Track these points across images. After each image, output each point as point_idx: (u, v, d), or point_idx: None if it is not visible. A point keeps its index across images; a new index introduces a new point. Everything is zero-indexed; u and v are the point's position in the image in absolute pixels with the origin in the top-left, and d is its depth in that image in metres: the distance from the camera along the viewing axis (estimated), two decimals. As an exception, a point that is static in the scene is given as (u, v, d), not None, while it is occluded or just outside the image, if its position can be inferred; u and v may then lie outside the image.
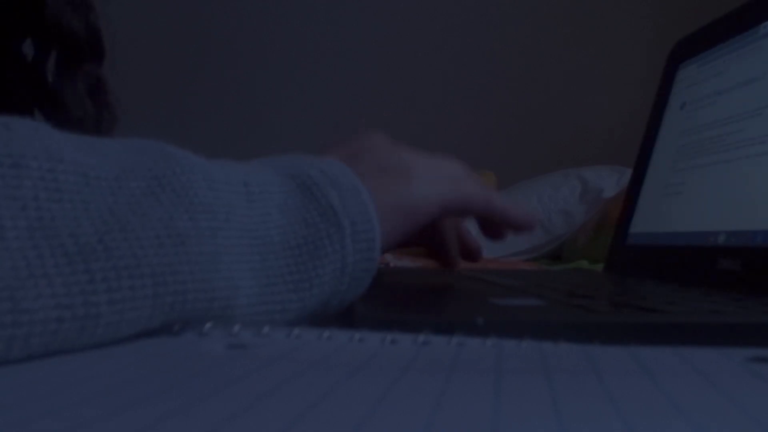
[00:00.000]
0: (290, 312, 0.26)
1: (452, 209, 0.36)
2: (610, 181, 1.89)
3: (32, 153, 0.20)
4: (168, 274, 0.21)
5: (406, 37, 2.73)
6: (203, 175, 0.25)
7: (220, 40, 2.50)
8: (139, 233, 0.21)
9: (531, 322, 0.25)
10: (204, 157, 0.27)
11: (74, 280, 0.19)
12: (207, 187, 0.24)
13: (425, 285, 0.43)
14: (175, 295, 0.21)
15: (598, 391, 0.15)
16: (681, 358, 0.19)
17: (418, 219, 0.33)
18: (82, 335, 0.19)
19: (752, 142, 0.44)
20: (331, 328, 0.22)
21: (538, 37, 2.71)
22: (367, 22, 2.74)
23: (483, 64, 2.73)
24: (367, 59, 2.74)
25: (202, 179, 0.24)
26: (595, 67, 2.71)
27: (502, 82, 2.72)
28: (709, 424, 0.13)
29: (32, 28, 0.50)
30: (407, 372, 0.17)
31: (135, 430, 0.12)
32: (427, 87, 2.74)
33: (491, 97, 2.72)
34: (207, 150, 0.30)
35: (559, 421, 0.13)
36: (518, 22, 2.72)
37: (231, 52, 2.53)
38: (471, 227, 0.49)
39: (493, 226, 0.43)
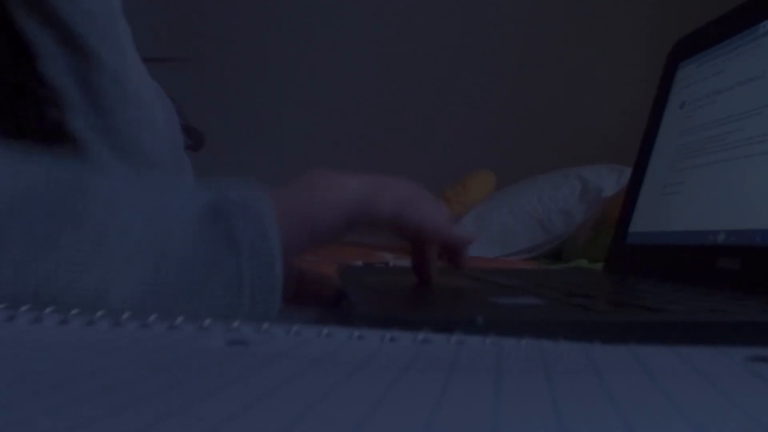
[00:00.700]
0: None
1: (357, 218, 0.38)
2: (610, 181, 1.89)
3: None
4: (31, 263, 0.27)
5: (406, 38, 2.73)
6: (102, 204, 0.30)
7: (220, 41, 2.50)
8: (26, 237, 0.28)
9: (531, 322, 0.25)
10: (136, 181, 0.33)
11: None
12: (103, 210, 0.30)
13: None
14: (37, 279, 0.27)
15: (597, 389, 0.15)
16: (680, 357, 0.19)
17: (316, 226, 0.35)
18: None
19: (752, 141, 0.44)
20: (330, 326, 0.22)
21: (538, 37, 2.71)
22: (366, 23, 2.74)
23: (483, 64, 2.73)
24: (367, 59, 2.74)
25: (101, 207, 0.30)
26: (595, 67, 2.71)
27: (502, 82, 2.72)
28: (709, 423, 0.13)
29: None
30: (407, 370, 0.17)
31: (136, 429, 0.12)
32: (427, 87, 2.74)
33: (491, 97, 2.72)
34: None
35: (559, 419, 0.13)
36: (518, 22, 2.72)
37: (230, 52, 2.53)
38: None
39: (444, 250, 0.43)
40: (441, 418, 0.13)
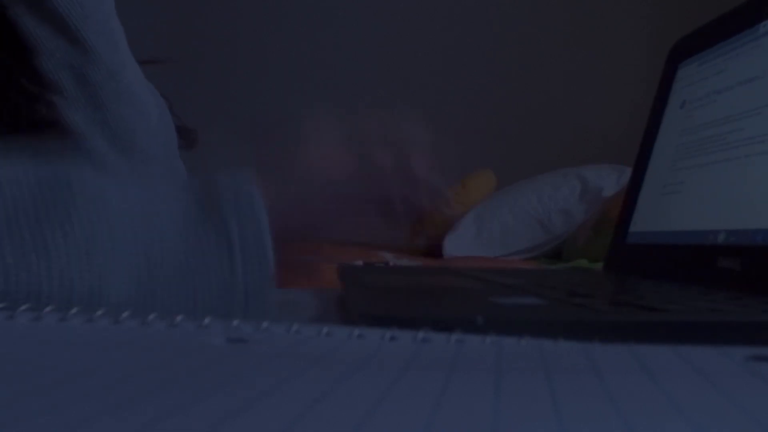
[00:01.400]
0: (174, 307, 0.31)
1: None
2: (610, 180, 1.89)
3: None
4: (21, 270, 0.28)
5: (406, 37, 2.73)
6: (91, 205, 0.30)
7: (215, 40, 2.50)
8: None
9: (531, 321, 0.25)
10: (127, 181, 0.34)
11: None
12: (92, 211, 0.30)
13: (425, 283, 0.43)
14: (29, 285, 0.28)
15: (597, 389, 0.15)
16: (680, 356, 0.19)
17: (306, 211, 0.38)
18: None
19: (752, 140, 0.44)
20: (330, 325, 0.22)
21: (538, 37, 2.71)
22: (366, 23, 2.74)
23: (483, 64, 2.73)
24: (367, 59, 2.74)
25: (90, 208, 0.30)
26: (595, 67, 2.71)
27: (503, 82, 2.72)
28: (708, 422, 0.13)
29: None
30: (407, 370, 0.17)
31: (135, 428, 0.12)
32: (427, 87, 2.74)
33: (491, 97, 2.72)
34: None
35: (559, 419, 0.13)
36: (518, 22, 2.72)
37: (225, 51, 2.53)
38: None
39: None
40: (441, 418, 0.13)
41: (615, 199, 1.66)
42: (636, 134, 0.62)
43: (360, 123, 0.43)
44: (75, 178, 0.31)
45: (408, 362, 0.18)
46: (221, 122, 2.43)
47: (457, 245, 1.89)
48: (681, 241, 0.49)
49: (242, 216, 0.32)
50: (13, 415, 0.12)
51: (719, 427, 0.13)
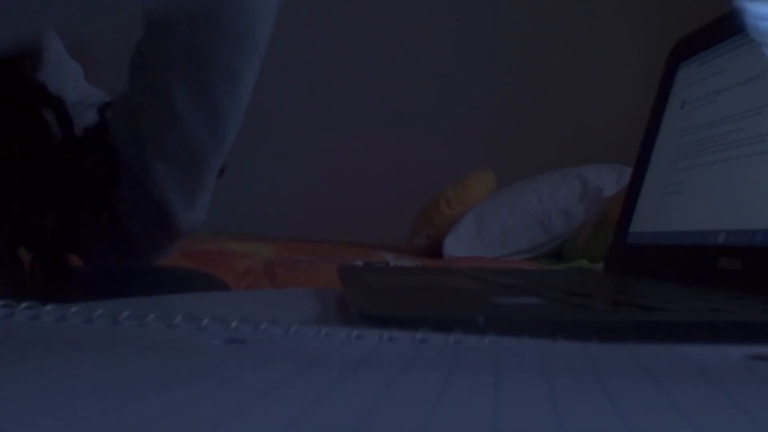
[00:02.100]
0: None
1: None
2: (610, 181, 1.89)
3: None
4: None
5: (406, 38, 2.73)
6: None
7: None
8: None
9: (531, 321, 0.25)
10: None
11: None
12: None
13: (424, 283, 0.43)
14: None
15: (596, 389, 0.15)
16: (680, 356, 0.19)
17: None
18: None
19: (752, 140, 0.44)
20: (329, 325, 0.22)
21: (539, 37, 2.71)
22: (366, 23, 2.74)
23: (483, 64, 2.73)
24: (367, 59, 2.74)
25: None
26: (595, 67, 2.71)
27: (503, 82, 2.72)
28: (708, 422, 0.13)
29: None
30: (406, 370, 0.17)
31: (134, 429, 0.12)
32: (427, 87, 2.74)
33: (491, 97, 2.72)
34: None
35: (558, 419, 0.13)
36: (518, 22, 2.72)
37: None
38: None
39: None
40: (440, 418, 0.13)
41: (615, 200, 1.66)
42: (636, 134, 0.62)
43: None
44: None
45: (407, 363, 0.18)
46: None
47: (457, 245, 1.89)
48: (681, 241, 0.49)
49: None
50: (10, 415, 0.12)
51: (719, 426, 0.13)
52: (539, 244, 1.88)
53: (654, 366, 0.17)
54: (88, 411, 0.13)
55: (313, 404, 0.14)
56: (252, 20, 0.50)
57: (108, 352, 0.19)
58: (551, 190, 1.94)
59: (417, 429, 0.12)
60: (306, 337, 0.21)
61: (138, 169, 0.51)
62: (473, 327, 0.23)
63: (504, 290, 0.36)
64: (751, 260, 0.41)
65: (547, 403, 0.14)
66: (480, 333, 0.21)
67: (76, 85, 0.57)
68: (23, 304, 0.23)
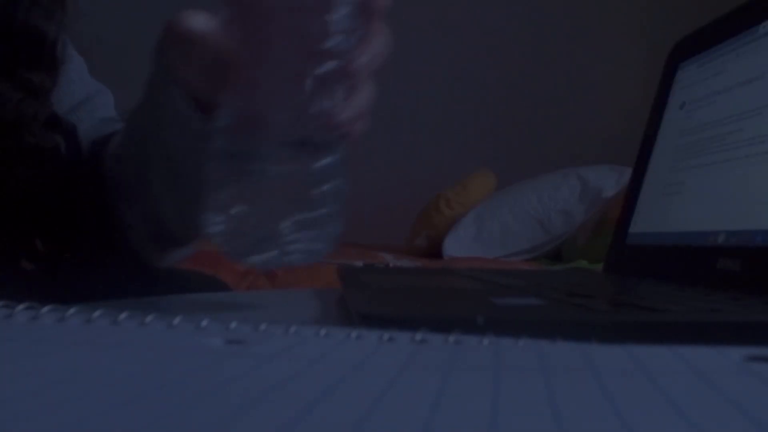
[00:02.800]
0: None
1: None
2: (610, 181, 1.89)
3: None
4: None
5: (407, 38, 2.73)
6: None
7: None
8: None
9: (531, 321, 0.25)
10: None
11: None
12: None
13: (424, 284, 0.43)
14: None
15: (595, 389, 0.15)
16: (679, 356, 0.19)
17: None
18: None
19: (752, 141, 0.44)
20: (329, 325, 0.22)
21: (539, 37, 2.71)
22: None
23: (483, 64, 2.73)
24: (367, 58, 2.73)
25: None
26: (595, 68, 2.71)
27: (503, 82, 2.72)
28: (707, 423, 0.13)
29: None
30: (405, 370, 0.17)
31: (134, 429, 0.12)
32: (427, 87, 2.74)
33: (491, 97, 2.72)
34: None
35: (557, 419, 0.13)
36: (518, 22, 2.72)
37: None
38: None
39: None
40: (439, 419, 0.13)
41: (615, 200, 1.66)
42: (636, 135, 0.62)
43: None
44: None
45: (406, 363, 0.18)
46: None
47: (457, 246, 1.89)
48: (681, 241, 0.49)
49: None
50: (9, 416, 0.12)
51: (718, 427, 0.13)
52: (539, 244, 1.88)
53: (653, 367, 0.17)
54: (87, 411, 0.13)
55: (313, 404, 0.14)
56: None
57: (107, 353, 0.19)
58: (551, 191, 1.94)
59: (416, 429, 0.12)
60: (305, 337, 0.21)
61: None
62: (473, 327, 0.23)
63: (504, 291, 0.36)
64: (751, 261, 0.41)
65: (545, 403, 0.14)
66: (480, 333, 0.21)
67: (81, 81, 0.57)
68: (23, 305, 0.23)
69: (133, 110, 0.46)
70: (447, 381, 0.16)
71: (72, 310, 0.23)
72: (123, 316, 0.23)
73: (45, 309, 0.23)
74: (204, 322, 0.22)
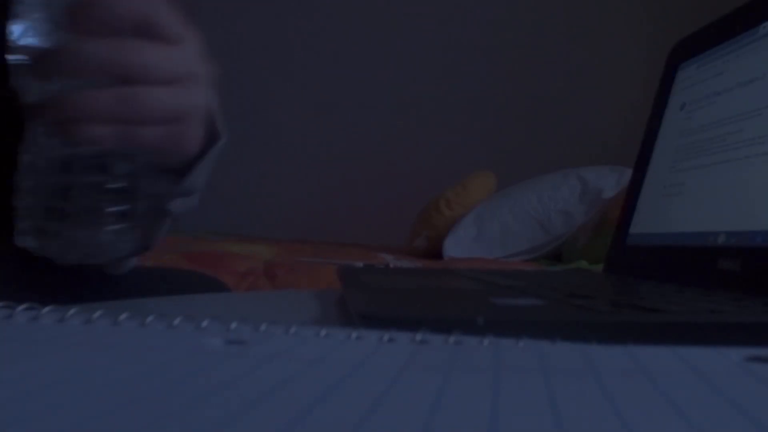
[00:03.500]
0: None
1: None
2: (610, 181, 1.89)
3: None
4: None
5: (407, 38, 2.73)
6: None
7: (217, 39, 2.50)
8: None
9: (531, 322, 0.25)
10: None
11: None
12: None
13: (424, 284, 0.43)
14: None
15: (595, 390, 0.15)
16: (679, 357, 0.19)
17: None
18: None
19: (752, 142, 0.44)
20: (329, 326, 0.22)
21: (539, 37, 2.72)
22: (367, 23, 2.74)
23: (483, 65, 2.73)
24: (368, 60, 2.74)
25: None
26: (595, 68, 2.71)
27: (503, 82, 2.72)
28: (707, 423, 0.13)
29: None
30: (405, 371, 0.17)
31: (133, 429, 0.12)
32: (428, 88, 2.74)
33: (491, 98, 2.72)
34: None
35: (557, 420, 0.13)
36: (518, 22, 2.72)
37: (228, 50, 2.53)
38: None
39: None
40: (439, 419, 0.13)
41: (615, 201, 1.66)
42: (636, 135, 0.62)
43: None
44: None
45: (406, 364, 0.18)
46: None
47: (457, 246, 1.89)
48: (681, 242, 0.49)
49: None
50: (9, 417, 0.12)
51: (718, 428, 0.13)
52: (539, 244, 1.88)
53: (653, 367, 0.17)
54: (88, 412, 0.13)
55: (313, 405, 0.14)
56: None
57: (108, 354, 0.19)
58: (551, 191, 1.94)
59: (417, 430, 0.12)
60: (306, 338, 0.21)
61: None
62: (473, 328, 0.23)
63: (504, 291, 0.36)
64: (751, 261, 0.41)
65: (546, 403, 0.14)
66: (480, 334, 0.21)
67: None
68: (23, 306, 0.23)
69: None
70: (447, 381, 0.16)
71: (72, 311, 0.23)
72: (123, 316, 0.23)
73: (45, 310, 0.23)
74: (204, 323, 0.22)
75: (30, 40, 0.36)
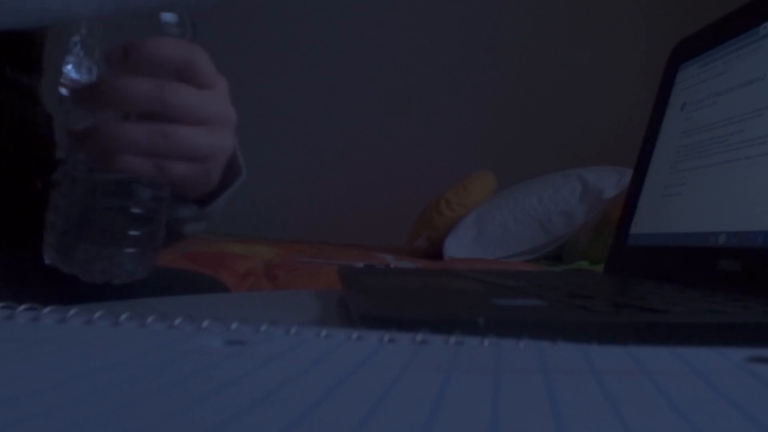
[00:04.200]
0: None
1: None
2: (611, 182, 1.89)
3: None
4: None
5: (407, 39, 2.73)
6: None
7: (217, 39, 2.50)
8: None
9: (531, 322, 0.25)
10: None
11: None
12: None
13: (425, 285, 0.43)
14: None
15: (596, 390, 0.15)
16: (679, 357, 0.19)
17: None
18: None
19: (753, 142, 0.44)
20: (329, 326, 0.22)
21: (539, 38, 2.72)
22: (367, 23, 2.74)
23: (483, 65, 2.73)
24: (368, 60, 2.74)
25: None
26: (595, 68, 2.71)
27: (503, 83, 2.72)
28: (708, 424, 0.13)
29: None
30: (406, 371, 0.17)
31: (134, 430, 0.12)
32: (428, 88, 2.74)
33: (492, 98, 2.72)
34: None
35: (557, 420, 0.13)
36: (519, 22, 2.72)
37: (229, 50, 2.54)
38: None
39: None
40: (439, 418, 0.13)
41: (616, 201, 1.66)
42: (636, 135, 0.62)
43: None
44: None
45: (407, 364, 0.18)
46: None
47: (458, 247, 1.89)
48: (682, 242, 0.49)
49: None
50: (10, 417, 0.12)
51: (718, 428, 0.13)
52: (540, 245, 1.88)
53: (654, 368, 0.17)
54: (88, 412, 0.13)
55: (314, 406, 0.14)
56: None
57: (108, 354, 0.19)
58: (552, 192, 1.94)
59: (417, 430, 0.12)
60: (306, 338, 0.21)
61: None
62: (474, 328, 0.23)
63: (504, 292, 0.36)
64: (752, 262, 0.41)
65: (546, 404, 0.14)
66: (480, 334, 0.21)
67: None
68: (23, 306, 0.23)
69: None
70: (448, 382, 0.16)
71: (73, 311, 0.23)
72: (124, 317, 0.23)
73: (46, 310, 0.23)
74: (205, 323, 0.22)
75: (76, 74, 0.40)
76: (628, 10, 2.71)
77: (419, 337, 0.21)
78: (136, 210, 0.42)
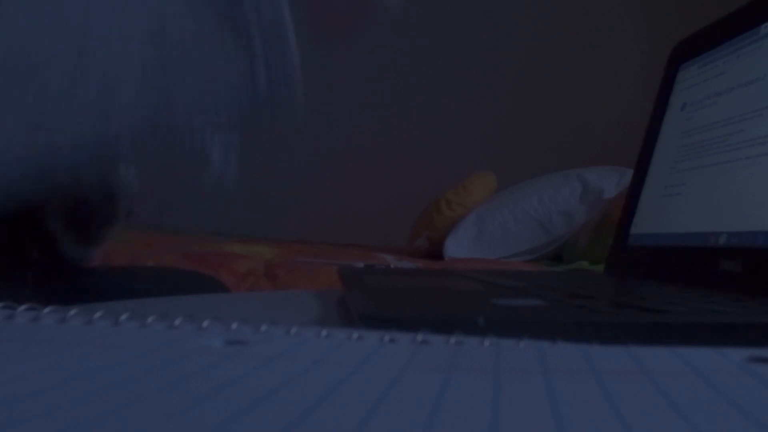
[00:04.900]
0: None
1: None
2: (611, 182, 1.89)
3: None
4: None
5: (408, 37, 2.73)
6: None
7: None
8: None
9: (532, 322, 0.25)
10: None
11: None
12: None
13: (425, 285, 0.43)
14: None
15: (596, 390, 0.15)
16: (679, 358, 0.19)
17: None
18: None
19: (753, 142, 0.44)
20: (330, 326, 0.22)
21: (540, 38, 2.72)
22: (368, 23, 2.74)
23: (483, 66, 2.73)
24: (368, 61, 2.74)
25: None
26: (595, 68, 2.71)
27: (504, 83, 2.72)
28: (708, 424, 0.13)
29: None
30: (406, 371, 0.17)
31: (134, 430, 0.12)
32: (428, 89, 2.74)
33: (492, 99, 2.72)
34: None
35: (557, 421, 0.13)
36: (519, 23, 2.72)
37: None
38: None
39: None
40: (439, 420, 0.13)
41: (616, 201, 1.66)
42: (637, 136, 0.62)
43: None
44: None
45: (407, 364, 0.18)
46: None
47: (458, 247, 1.89)
48: (682, 243, 0.49)
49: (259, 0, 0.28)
50: (10, 417, 0.12)
51: (719, 429, 0.13)
52: (540, 245, 1.88)
53: (654, 368, 0.17)
54: (88, 412, 0.13)
55: (314, 406, 0.14)
56: None
57: (108, 354, 0.19)
58: (552, 192, 1.94)
59: (417, 430, 0.12)
60: (306, 338, 0.21)
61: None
62: (474, 328, 0.23)
63: (505, 292, 0.36)
64: (752, 262, 0.41)
65: (546, 404, 0.14)
66: (480, 335, 0.21)
67: None
68: (23, 306, 0.23)
69: None
70: (448, 382, 0.16)
71: (73, 311, 0.23)
72: (124, 317, 0.23)
73: (46, 310, 0.23)
74: (205, 323, 0.22)
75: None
76: (628, 10, 2.71)
77: (419, 337, 0.21)
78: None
